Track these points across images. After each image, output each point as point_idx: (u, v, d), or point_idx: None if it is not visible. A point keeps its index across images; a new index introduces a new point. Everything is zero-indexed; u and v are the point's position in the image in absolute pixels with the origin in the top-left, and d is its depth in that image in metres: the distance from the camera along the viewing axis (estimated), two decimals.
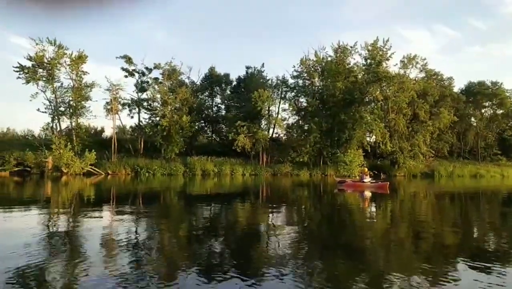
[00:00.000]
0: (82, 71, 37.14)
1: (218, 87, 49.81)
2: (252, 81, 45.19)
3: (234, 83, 49.46)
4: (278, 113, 44.70)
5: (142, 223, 9.91)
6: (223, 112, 48.66)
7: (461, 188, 28.42)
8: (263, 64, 47.91)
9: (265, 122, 44.05)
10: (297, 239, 8.12)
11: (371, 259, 6.51)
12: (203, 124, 49.54)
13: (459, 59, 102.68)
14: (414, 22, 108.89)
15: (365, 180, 23.99)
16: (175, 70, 42.33)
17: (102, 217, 10.96)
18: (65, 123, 38.07)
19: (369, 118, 40.68)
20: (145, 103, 41.93)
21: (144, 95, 42.12)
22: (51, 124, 37.70)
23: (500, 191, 25.53)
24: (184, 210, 13.67)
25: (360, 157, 38.27)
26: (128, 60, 40.71)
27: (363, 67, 43.75)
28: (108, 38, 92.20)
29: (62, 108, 37.25)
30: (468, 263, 6.04)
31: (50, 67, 35.24)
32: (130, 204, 15.12)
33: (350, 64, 44.24)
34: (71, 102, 36.84)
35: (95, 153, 33.09)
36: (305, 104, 44.72)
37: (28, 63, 34.77)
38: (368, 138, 44.59)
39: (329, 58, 43.83)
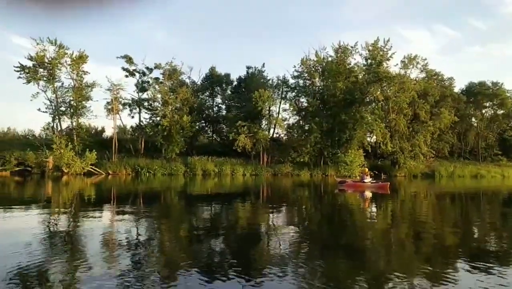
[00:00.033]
0: (83, 71, 37.22)
1: (218, 87, 49.80)
2: (253, 81, 45.18)
3: (235, 83, 49.46)
4: (278, 113, 44.73)
5: (142, 223, 9.92)
6: (224, 112, 48.68)
7: (462, 188, 28.39)
8: (263, 64, 47.96)
9: (266, 123, 44.08)
10: (298, 239, 8.12)
11: (371, 259, 6.51)
12: (204, 124, 49.58)
13: (459, 59, 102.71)
14: (414, 22, 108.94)
15: (365, 180, 23.99)
16: (176, 70, 42.33)
17: (102, 217, 10.97)
18: (65, 123, 38.14)
19: (369, 118, 40.65)
20: (145, 103, 41.94)
21: (144, 95, 42.21)
22: (52, 124, 37.77)
23: (501, 191, 25.51)
24: (184, 210, 13.68)
25: (360, 157, 38.24)
26: (129, 60, 40.73)
27: (364, 67, 43.72)
28: (108, 38, 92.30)
29: (62, 108, 37.27)
30: (469, 264, 6.03)
31: (50, 67, 35.25)
32: (131, 204, 15.12)
33: (350, 64, 44.22)
34: (72, 102, 36.84)
35: (95, 152, 33.11)
36: (305, 104, 44.69)
37: (29, 63, 34.87)
38: (368, 139, 44.59)
39: (330, 58, 43.80)
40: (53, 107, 36.76)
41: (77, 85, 36.88)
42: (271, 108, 43.62)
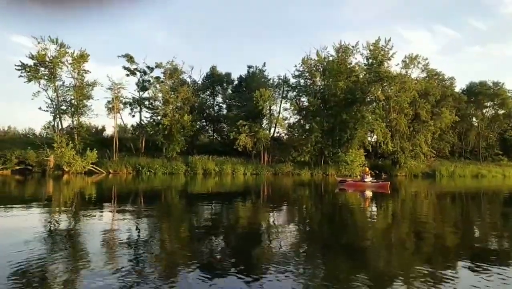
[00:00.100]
0: (84, 70, 37.25)
1: (219, 87, 49.79)
2: (254, 80, 45.15)
3: (236, 82, 49.45)
4: (279, 112, 44.72)
5: (143, 222, 9.93)
6: (225, 111, 48.71)
7: (463, 188, 28.36)
8: (264, 63, 48.18)
9: (267, 122, 44.06)
10: (298, 238, 8.13)
11: (372, 259, 6.52)
12: (205, 123, 49.60)
13: (459, 60, 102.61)
14: (414, 22, 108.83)
15: (366, 180, 24.01)
16: (177, 69, 42.31)
17: (103, 216, 10.98)
18: (66, 122, 38.19)
19: (370, 118, 40.63)
20: (146, 102, 41.99)
21: (145, 94, 42.27)
22: (53, 123, 37.85)
23: (502, 191, 25.47)
24: (185, 209, 13.69)
25: (361, 157, 38.24)
26: (130, 59, 40.77)
27: (365, 67, 43.64)
28: (108, 38, 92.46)
29: (63, 107, 37.31)
30: (469, 264, 6.03)
31: (52, 66, 35.30)
32: (131, 202, 15.13)
33: (351, 64, 44.14)
34: (73, 101, 36.89)
35: (96, 151, 33.15)
36: (306, 103, 44.63)
37: (30, 62, 34.93)
38: (369, 138, 44.61)
39: (331, 58, 43.73)
40: (54, 106, 36.82)
41: (78, 84, 36.91)
42: (272, 108, 43.69)
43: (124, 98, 40.61)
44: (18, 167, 31.81)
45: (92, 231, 8.17)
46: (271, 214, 12.29)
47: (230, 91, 49.30)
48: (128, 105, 41.63)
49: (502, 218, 12.58)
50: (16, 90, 79.32)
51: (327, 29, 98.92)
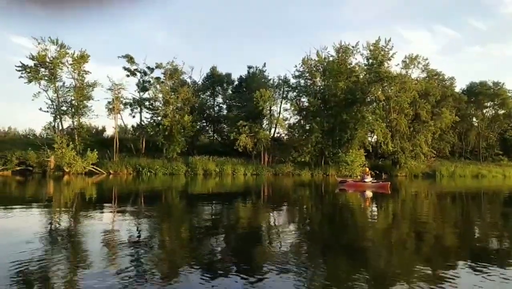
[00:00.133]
0: (84, 71, 37.25)
1: (219, 87, 49.77)
2: (254, 81, 45.13)
3: (236, 83, 49.42)
4: (279, 113, 44.71)
5: (143, 222, 9.93)
6: (225, 112, 48.68)
7: (463, 188, 28.34)
8: (264, 64, 47.94)
9: (267, 122, 44.04)
10: (299, 239, 8.13)
11: (372, 259, 6.51)
12: (205, 124, 49.56)
13: (459, 60, 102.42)
14: (414, 22, 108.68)
15: (366, 180, 24.00)
16: (177, 69, 42.30)
17: (103, 217, 10.99)
18: (67, 122, 38.19)
19: (370, 118, 40.63)
20: (147, 103, 41.99)
21: (146, 95, 42.25)
22: (53, 123, 37.89)
23: (502, 191, 25.45)
24: (185, 210, 13.68)
25: (361, 157, 38.21)
26: (130, 59, 40.80)
27: (365, 67, 43.64)
28: (108, 38, 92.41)
29: (64, 108, 37.32)
30: (469, 264, 6.02)
31: (52, 67, 35.31)
32: (132, 203, 15.15)
33: (352, 64, 44.15)
34: (73, 102, 36.90)
35: (96, 152, 33.17)
36: (306, 104, 44.62)
37: (30, 63, 34.94)
38: (369, 138, 44.57)
39: (331, 58, 43.73)
40: (55, 107, 36.82)
41: (78, 84, 36.92)
42: (272, 108, 43.67)
43: (124, 99, 40.70)
44: (18, 168, 31.84)
45: (92, 232, 8.17)
46: (271, 214, 12.29)
47: (230, 92, 49.27)
48: (128, 106, 41.69)
49: (502, 218, 12.57)
50: (17, 91, 79.45)
51: (327, 29, 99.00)
